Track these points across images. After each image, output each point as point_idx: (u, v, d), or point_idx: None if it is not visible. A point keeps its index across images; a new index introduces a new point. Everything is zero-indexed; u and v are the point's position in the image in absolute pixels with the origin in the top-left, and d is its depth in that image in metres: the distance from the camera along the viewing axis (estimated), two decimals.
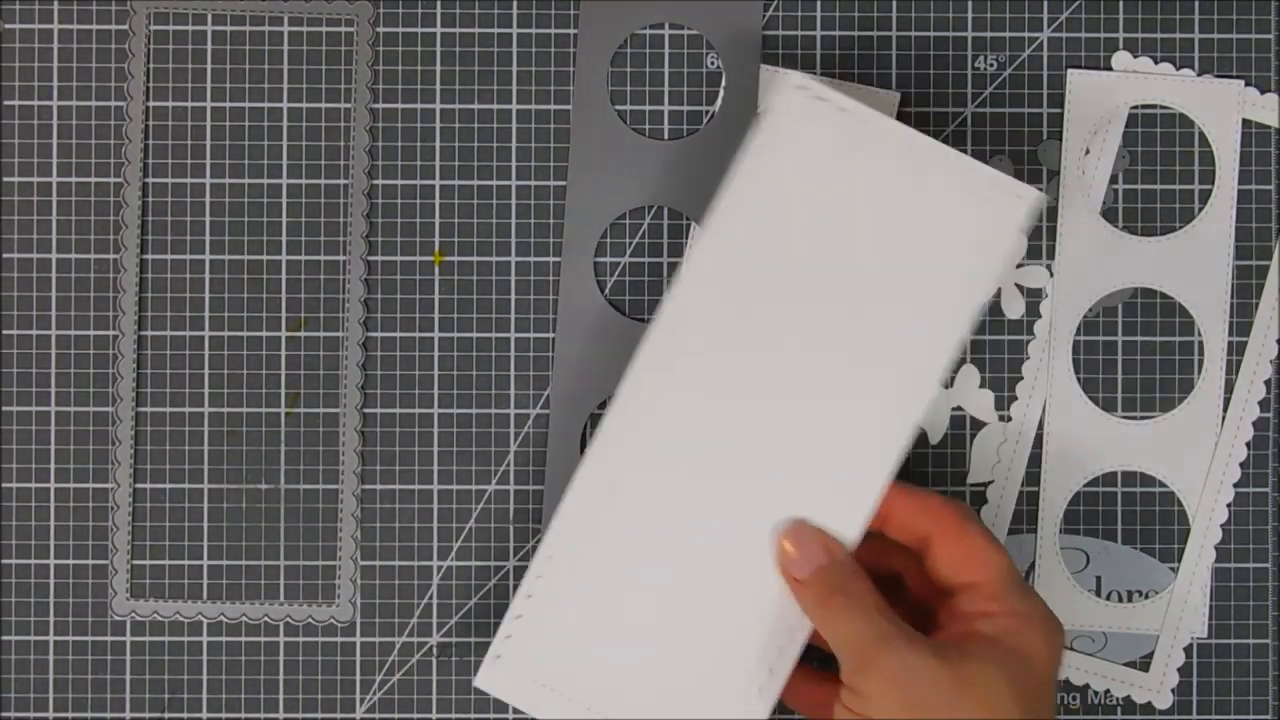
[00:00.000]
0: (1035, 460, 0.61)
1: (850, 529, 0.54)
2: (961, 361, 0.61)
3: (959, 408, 0.61)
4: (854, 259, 0.54)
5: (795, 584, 0.53)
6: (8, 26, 0.61)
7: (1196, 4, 0.61)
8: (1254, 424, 0.61)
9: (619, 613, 0.54)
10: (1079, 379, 0.61)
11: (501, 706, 0.61)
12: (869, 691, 0.50)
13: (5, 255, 0.60)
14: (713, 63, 0.61)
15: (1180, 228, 0.61)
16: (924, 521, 0.54)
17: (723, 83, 0.61)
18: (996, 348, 0.61)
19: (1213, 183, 0.61)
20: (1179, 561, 0.61)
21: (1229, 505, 0.61)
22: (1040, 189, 0.54)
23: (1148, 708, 0.61)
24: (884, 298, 0.54)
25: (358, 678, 0.61)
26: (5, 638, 0.60)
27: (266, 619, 0.60)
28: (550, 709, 0.55)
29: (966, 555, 0.53)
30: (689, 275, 0.54)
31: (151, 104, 0.61)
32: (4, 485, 0.60)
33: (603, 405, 0.60)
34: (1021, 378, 0.61)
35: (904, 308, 0.54)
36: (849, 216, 0.54)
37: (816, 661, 0.56)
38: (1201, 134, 0.61)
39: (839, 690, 0.52)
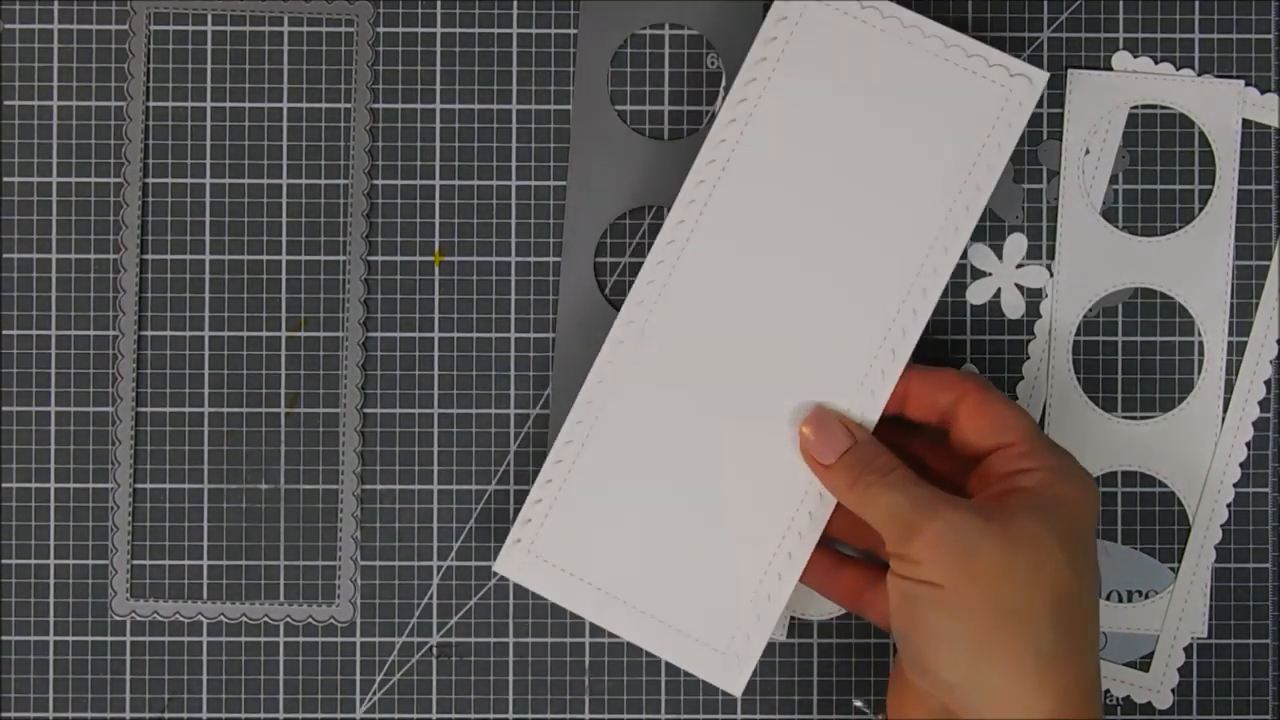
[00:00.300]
0: None
1: (870, 410, 0.55)
2: (961, 361, 0.61)
3: None
4: (863, 149, 0.55)
5: (821, 469, 0.54)
6: (8, 26, 0.61)
7: (1196, 4, 0.61)
8: (1254, 424, 0.61)
9: (638, 498, 0.55)
10: (1079, 379, 0.61)
11: (502, 707, 0.61)
12: (919, 556, 0.51)
13: (5, 255, 0.60)
14: (713, 63, 0.61)
15: (1180, 228, 0.61)
16: (944, 395, 0.54)
17: (723, 83, 0.61)
18: (996, 348, 0.61)
19: (1213, 183, 0.61)
20: (1179, 561, 0.61)
21: (1229, 505, 0.61)
22: (1044, 73, 0.55)
23: (1148, 708, 0.61)
24: (894, 184, 0.55)
25: (358, 678, 0.61)
26: (5, 638, 0.60)
27: (266, 619, 0.61)
28: (569, 594, 0.56)
29: (992, 420, 0.53)
30: (701, 169, 0.56)
31: (151, 104, 0.61)
32: (4, 485, 0.60)
33: None
34: (1022, 378, 0.61)
35: (914, 193, 0.55)
36: (855, 108, 0.55)
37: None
38: (1201, 134, 0.61)
39: (891, 560, 0.52)
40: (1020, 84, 0.55)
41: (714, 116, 0.61)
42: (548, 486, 0.56)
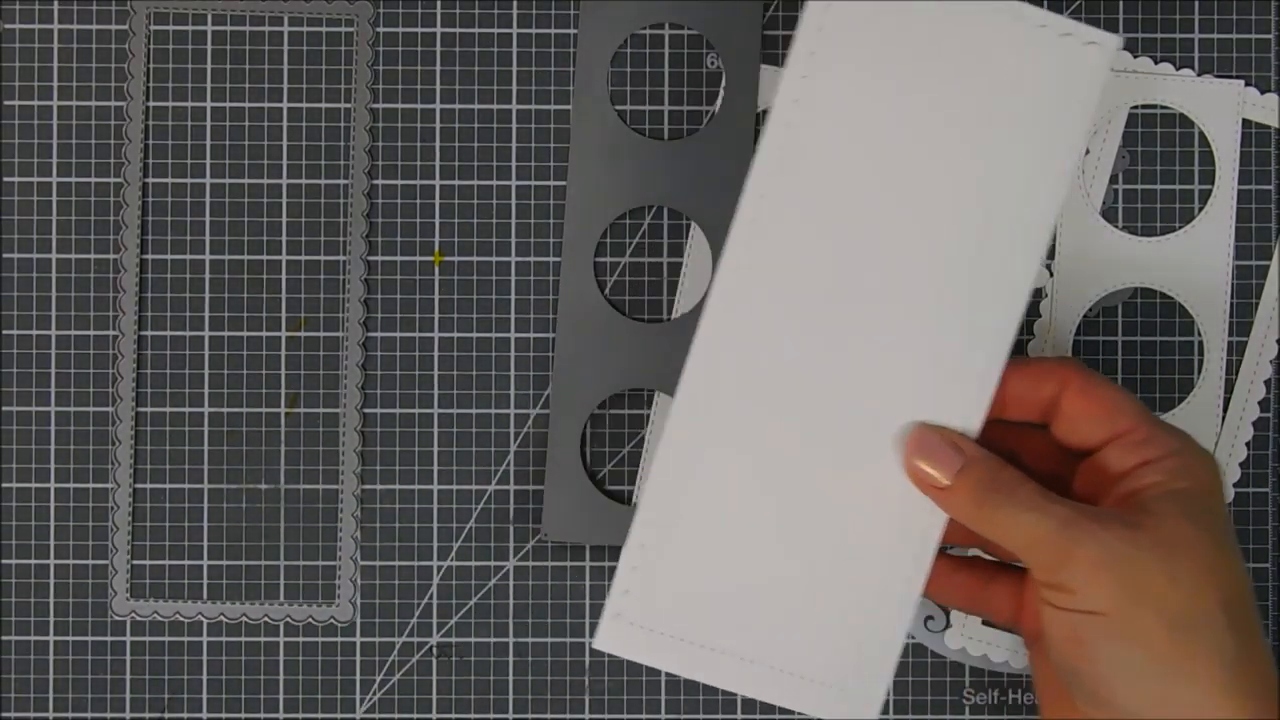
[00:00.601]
0: None
1: (972, 419, 0.50)
2: None
3: None
4: (936, 139, 0.50)
5: (937, 493, 0.50)
6: (8, 26, 0.61)
7: (1196, 4, 0.61)
8: (1254, 424, 0.61)
9: (740, 546, 0.51)
10: None
11: (502, 707, 0.61)
12: (1075, 584, 0.47)
13: (5, 255, 0.60)
14: (713, 63, 0.61)
15: (1180, 228, 0.61)
16: (1045, 388, 0.51)
17: (723, 83, 0.61)
18: None
19: (1213, 183, 0.61)
20: None
21: (1229, 505, 0.61)
22: (1117, 36, 0.50)
23: None
24: (973, 174, 0.50)
25: (358, 678, 0.61)
26: (5, 638, 0.60)
27: (266, 619, 0.60)
28: (679, 660, 0.51)
29: (1102, 407, 0.50)
30: (760, 182, 0.51)
31: (151, 104, 0.61)
32: (4, 485, 0.60)
33: (602, 405, 0.60)
34: None
35: (994, 187, 0.50)
36: (921, 97, 0.50)
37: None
38: (1201, 134, 0.61)
39: (1039, 590, 0.48)
40: (1092, 52, 0.50)
41: (713, 116, 0.61)
42: (642, 551, 0.51)
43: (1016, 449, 0.53)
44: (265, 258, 0.61)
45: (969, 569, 0.54)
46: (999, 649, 0.61)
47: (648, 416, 0.61)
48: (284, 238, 0.61)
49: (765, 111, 0.61)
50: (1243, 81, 0.61)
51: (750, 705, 0.61)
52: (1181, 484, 0.48)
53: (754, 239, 0.51)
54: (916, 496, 0.50)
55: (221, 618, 0.60)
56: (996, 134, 0.50)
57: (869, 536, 0.51)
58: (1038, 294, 0.61)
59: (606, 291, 0.61)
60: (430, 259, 0.61)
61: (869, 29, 0.50)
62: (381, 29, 0.61)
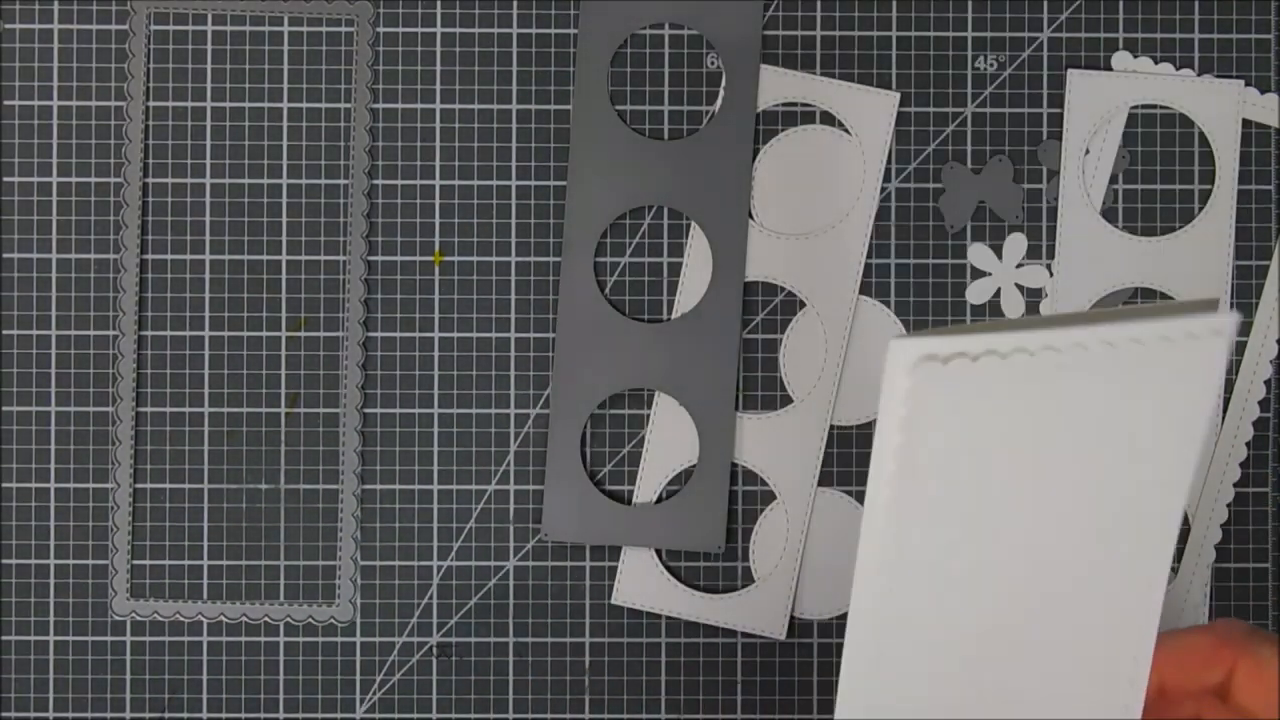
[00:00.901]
0: None
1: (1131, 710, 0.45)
2: None
3: None
4: (1049, 475, 0.44)
5: None
6: (8, 26, 0.61)
7: (1196, 4, 0.61)
8: (1254, 424, 0.61)
9: None
10: None
11: (502, 707, 0.61)
12: None
13: (5, 255, 0.60)
14: (713, 63, 0.61)
15: (1180, 228, 0.61)
16: (1208, 670, 0.45)
17: (723, 83, 0.61)
18: None
19: (1213, 183, 0.61)
20: (1179, 561, 0.61)
21: (1229, 505, 0.61)
22: (1234, 315, 0.42)
23: None
24: (1093, 494, 0.44)
25: (358, 678, 0.61)
26: (5, 638, 0.60)
27: (266, 619, 0.60)
28: None
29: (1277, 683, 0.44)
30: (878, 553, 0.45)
31: (151, 104, 0.61)
32: (4, 485, 0.60)
33: (602, 405, 0.60)
34: None
35: (1116, 493, 0.44)
36: (1026, 447, 0.44)
37: None
38: (1201, 134, 0.61)
39: None
40: (1212, 344, 0.42)
41: (713, 116, 0.61)
42: None
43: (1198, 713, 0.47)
44: (265, 258, 0.61)
45: None
46: None
47: (648, 416, 0.61)
48: (284, 238, 0.61)
49: (764, 112, 0.61)
50: (1243, 81, 0.61)
51: (750, 705, 0.61)
52: None
53: (885, 595, 0.45)
54: None
55: (221, 618, 0.60)
56: (1123, 451, 0.44)
57: None
58: (1037, 294, 0.61)
59: (606, 291, 0.61)
60: (430, 259, 0.61)
61: (965, 381, 0.43)
62: (381, 29, 0.61)
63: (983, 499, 0.44)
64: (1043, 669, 0.46)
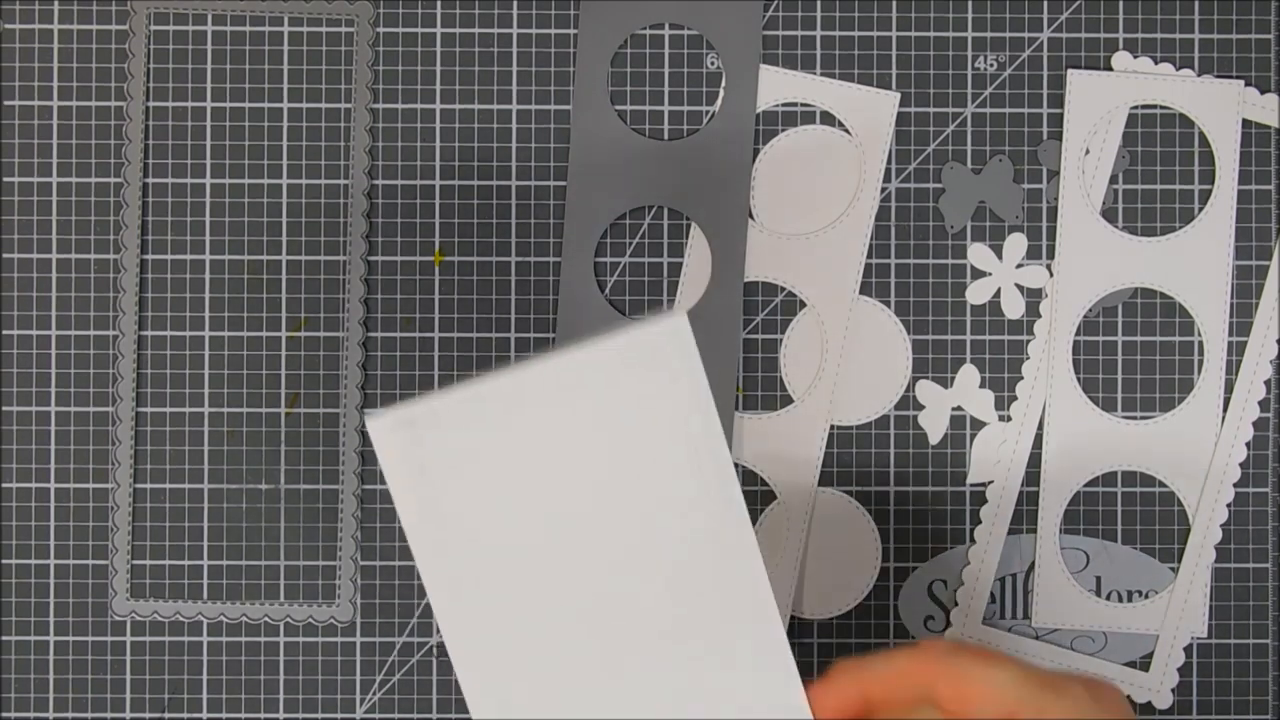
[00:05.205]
0: (1035, 460, 0.61)
1: (793, 708, 0.48)
2: (961, 361, 0.61)
3: (959, 408, 0.61)
4: (586, 507, 0.48)
5: None
6: (8, 26, 0.61)
7: (1196, 4, 0.61)
8: (1254, 424, 0.61)
9: None
10: (1079, 379, 0.61)
11: None
12: None
13: (5, 255, 0.60)
14: (713, 63, 0.61)
15: (1180, 228, 0.61)
16: (911, 686, 0.48)
17: (723, 83, 0.61)
18: (996, 348, 0.61)
19: (1213, 183, 0.61)
20: (1179, 561, 0.61)
21: (1229, 505, 0.61)
22: (681, 315, 0.48)
23: (1148, 708, 0.61)
24: (643, 515, 0.48)
25: (358, 678, 0.61)
26: (5, 638, 0.60)
27: (266, 619, 0.60)
28: None
29: (979, 695, 0.46)
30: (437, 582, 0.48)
31: (151, 104, 0.61)
32: (4, 485, 0.60)
33: None
34: (1021, 378, 0.61)
35: (669, 513, 0.48)
36: (543, 473, 0.48)
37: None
38: (1201, 134, 0.61)
39: None
40: (666, 344, 0.48)
41: (713, 116, 0.61)
42: None
43: None
44: (265, 258, 0.61)
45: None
46: (999, 649, 0.61)
47: None
48: (284, 238, 0.61)
49: (764, 112, 0.61)
50: (1243, 81, 0.61)
51: None
52: None
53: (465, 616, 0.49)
54: None
55: (221, 618, 0.60)
56: (644, 464, 0.48)
57: None
58: (1037, 294, 0.61)
59: (606, 291, 0.61)
60: (430, 259, 0.61)
61: (462, 427, 0.48)
62: (381, 29, 0.61)
63: (533, 524, 0.48)
64: (683, 664, 0.49)
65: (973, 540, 0.61)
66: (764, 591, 0.49)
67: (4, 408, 0.60)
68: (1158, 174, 0.61)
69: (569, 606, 0.49)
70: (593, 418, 0.48)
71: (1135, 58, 0.61)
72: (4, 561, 0.60)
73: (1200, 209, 0.61)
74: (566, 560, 0.49)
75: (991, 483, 0.61)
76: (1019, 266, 0.61)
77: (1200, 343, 0.61)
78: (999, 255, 0.61)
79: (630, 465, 0.48)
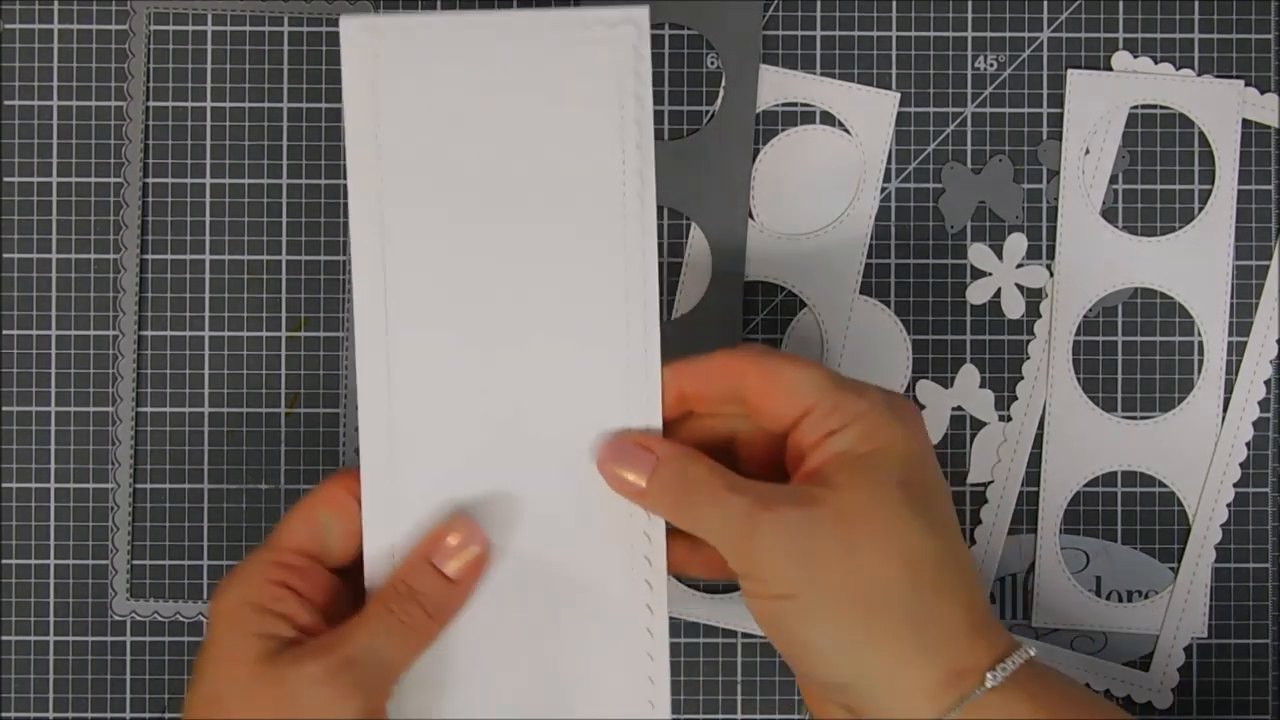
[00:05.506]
0: (1035, 460, 0.61)
1: (651, 418, 0.51)
2: (961, 361, 0.61)
3: (959, 408, 0.61)
4: (510, 157, 0.51)
5: (639, 496, 0.50)
6: (8, 26, 0.61)
7: (1196, 4, 0.61)
8: (1254, 424, 0.61)
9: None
10: (1079, 379, 0.61)
11: None
12: (763, 572, 0.47)
13: (5, 255, 0.60)
14: (713, 63, 0.61)
15: (1180, 228, 0.61)
16: (722, 384, 0.50)
17: (723, 83, 0.61)
18: (996, 348, 0.61)
19: (1213, 183, 0.61)
20: (1179, 561, 0.61)
21: (1229, 505, 0.61)
22: (643, 7, 0.51)
23: (1148, 708, 0.61)
24: (556, 178, 0.51)
25: None
26: (5, 638, 0.60)
27: None
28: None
29: (783, 390, 0.49)
30: (363, 221, 0.51)
31: (151, 104, 0.61)
32: (4, 485, 0.60)
33: None
34: (1021, 378, 0.61)
35: (579, 180, 0.51)
36: (483, 123, 0.51)
37: None
38: (1201, 134, 0.61)
39: (740, 582, 0.49)
40: (627, 31, 0.51)
41: (713, 116, 0.61)
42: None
43: (734, 438, 0.52)
44: (265, 258, 0.61)
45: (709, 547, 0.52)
46: None
47: None
48: (284, 238, 0.61)
49: (764, 112, 0.61)
50: (1243, 81, 0.61)
51: (750, 705, 0.61)
52: (864, 448, 0.48)
53: (374, 276, 0.52)
54: (627, 508, 0.51)
55: None
56: (564, 135, 0.51)
57: (599, 559, 0.51)
58: (1037, 294, 0.61)
59: None
60: None
61: (416, 60, 0.51)
62: None
63: (451, 164, 0.51)
64: (557, 369, 0.51)
65: (973, 540, 0.61)
66: (647, 307, 0.51)
67: (4, 408, 0.60)
68: (1158, 174, 0.61)
69: (470, 255, 0.51)
70: (541, 74, 0.51)
71: (1135, 58, 0.61)
72: (4, 561, 0.60)
73: (1200, 209, 0.61)
74: (476, 207, 0.51)
75: (991, 483, 0.61)
76: (1019, 266, 0.61)
77: (1200, 343, 0.61)
78: (999, 255, 0.61)
79: (560, 133, 0.51)
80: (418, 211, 0.51)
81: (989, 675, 0.47)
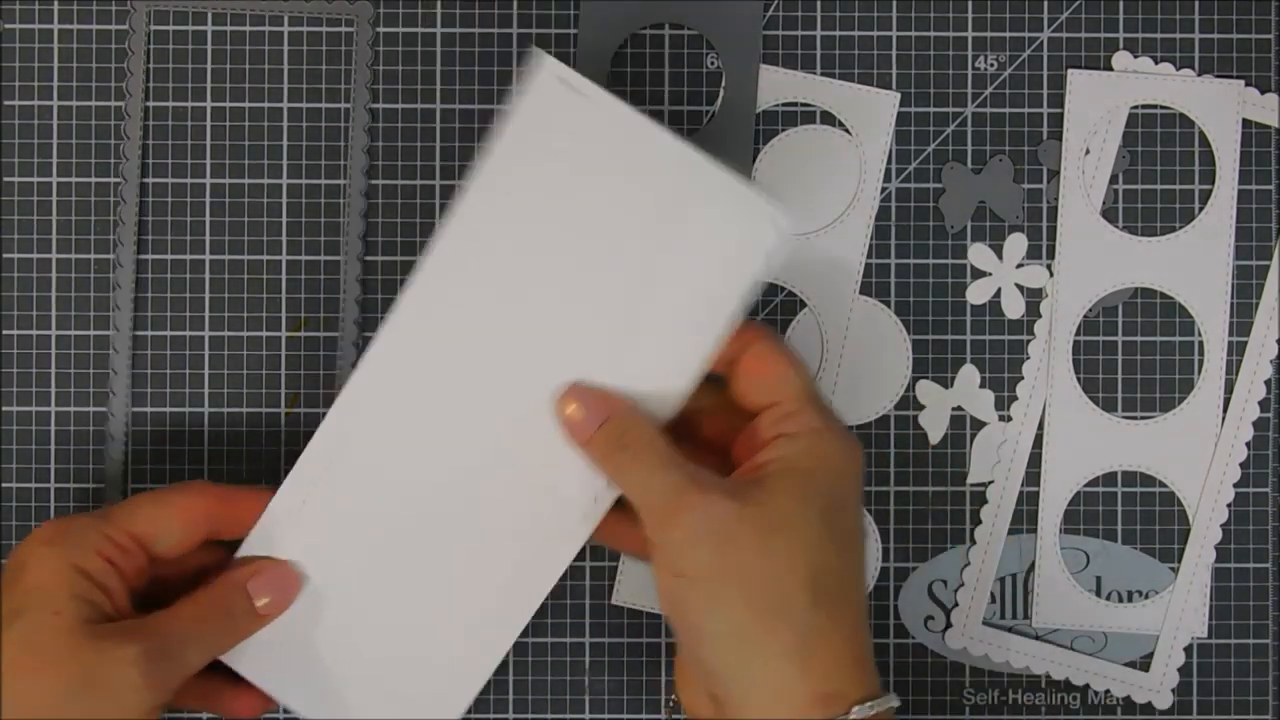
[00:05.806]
0: (1035, 460, 0.61)
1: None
2: (961, 361, 0.61)
3: (959, 408, 0.61)
4: (607, 256, 0.53)
5: (586, 446, 0.52)
6: (8, 26, 0.61)
7: (1196, 4, 0.61)
8: (1254, 424, 0.61)
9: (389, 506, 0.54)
10: (1079, 379, 0.61)
11: (502, 707, 0.60)
12: (676, 547, 0.49)
13: (5, 255, 0.60)
14: (713, 63, 0.61)
15: (1180, 228, 0.61)
16: (730, 346, 0.53)
17: (723, 83, 0.61)
18: (996, 348, 0.61)
19: (1213, 183, 0.61)
20: (1179, 561, 0.61)
21: (1229, 505, 0.61)
22: (781, 210, 0.53)
23: (1148, 708, 0.61)
24: (636, 299, 0.53)
25: None
26: None
27: None
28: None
29: (769, 374, 0.52)
30: (439, 258, 0.54)
31: (151, 104, 0.61)
32: (4, 485, 0.60)
33: None
34: (1021, 378, 0.61)
35: (655, 311, 0.53)
36: (604, 212, 0.53)
37: None
38: (1201, 134, 0.61)
39: (651, 548, 0.51)
40: (764, 225, 0.53)
41: (713, 116, 0.61)
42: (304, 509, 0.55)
43: (697, 411, 0.54)
44: (265, 258, 0.61)
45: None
46: (999, 649, 0.61)
47: None
48: (283, 238, 0.61)
49: (764, 112, 0.61)
50: (1243, 81, 0.61)
51: None
52: (806, 463, 0.50)
53: (436, 296, 0.54)
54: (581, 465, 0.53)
55: None
56: (663, 267, 0.53)
57: (540, 506, 0.54)
58: (1037, 294, 0.61)
59: None
60: None
61: (582, 117, 0.53)
62: (381, 29, 0.61)
63: (552, 233, 0.53)
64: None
65: (973, 540, 0.61)
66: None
67: (4, 408, 0.60)
68: (1158, 174, 0.61)
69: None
70: (668, 198, 0.53)
71: (1135, 58, 0.61)
72: (4, 562, 0.60)
73: (1200, 209, 0.61)
74: (548, 261, 0.53)
75: (991, 483, 0.61)
76: (1019, 266, 0.61)
77: (1200, 343, 0.61)
78: (999, 255, 0.61)
79: (652, 265, 0.53)
80: (504, 244, 0.53)
81: (856, 708, 0.49)
